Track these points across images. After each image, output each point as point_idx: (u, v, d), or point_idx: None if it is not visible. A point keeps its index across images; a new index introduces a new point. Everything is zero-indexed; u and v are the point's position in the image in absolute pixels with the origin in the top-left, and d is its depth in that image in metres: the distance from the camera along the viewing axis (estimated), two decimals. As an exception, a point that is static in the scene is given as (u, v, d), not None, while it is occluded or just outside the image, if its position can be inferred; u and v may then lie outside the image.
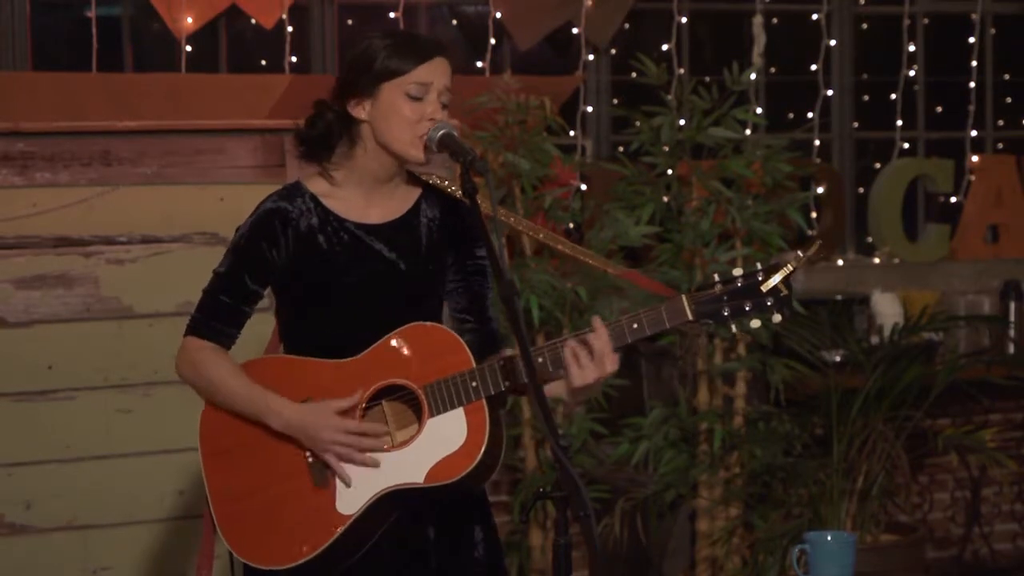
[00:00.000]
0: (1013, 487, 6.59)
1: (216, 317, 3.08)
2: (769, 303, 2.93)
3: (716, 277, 2.97)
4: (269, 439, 3.03)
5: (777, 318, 2.94)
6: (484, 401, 2.97)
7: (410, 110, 2.99)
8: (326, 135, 3.06)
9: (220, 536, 3.06)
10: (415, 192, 3.14)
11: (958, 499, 6.57)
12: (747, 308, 2.94)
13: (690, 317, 2.94)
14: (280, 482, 3.02)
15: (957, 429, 5.41)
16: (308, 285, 3.06)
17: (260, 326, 3.21)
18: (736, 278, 2.95)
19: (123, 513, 4.33)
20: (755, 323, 2.95)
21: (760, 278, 2.94)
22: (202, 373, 3.06)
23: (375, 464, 2.98)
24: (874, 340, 5.64)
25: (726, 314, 2.94)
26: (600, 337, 2.93)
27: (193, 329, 3.10)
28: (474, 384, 2.96)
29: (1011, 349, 6.41)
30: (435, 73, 3.00)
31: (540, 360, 2.95)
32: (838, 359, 5.45)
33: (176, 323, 4.10)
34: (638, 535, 5.39)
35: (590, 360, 2.93)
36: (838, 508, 5.06)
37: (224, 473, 3.07)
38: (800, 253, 2.97)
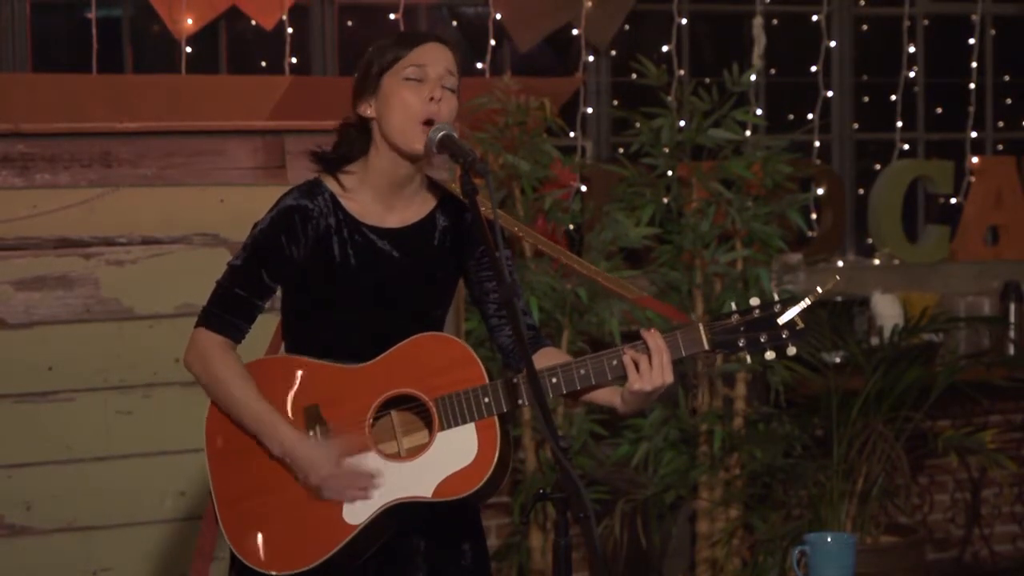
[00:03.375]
0: (1013, 488, 6.59)
1: (229, 310, 3.05)
2: (784, 336, 2.96)
3: (733, 307, 2.99)
4: None
5: (792, 351, 2.97)
6: (495, 417, 2.97)
7: (409, 92, 2.97)
8: (347, 154, 3.07)
9: (224, 536, 3.05)
10: (433, 199, 3.13)
11: (958, 500, 6.57)
12: (762, 340, 2.96)
13: (706, 347, 2.96)
14: (286, 487, 3.01)
15: (957, 430, 5.41)
16: (318, 286, 3.05)
17: (261, 327, 3.21)
18: (753, 309, 2.97)
19: (123, 514, 4.33)
20: (770, 355, 2.97)
21: (777, 310, 2.96)
22: (211, 371, 3.03)
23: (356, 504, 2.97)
24: (874, 341, 5.64)
25: (741, 345, 2.96)
26: (658, 346, 2.94)
27: (205, 321, 3.06)
28: (487, 400, 2.96)
29: (1011, 350, 6.42)
30: (430, 55, 2.99)
31: (583, 372, 2.95)
32: (838, 360, 5.45)
33: (176, 324, 4.11)
34: (638, 536, 5.39)
35: (649, 367, 2.93)
36: (838, 509, 5.06)
37: (230, 473, 3.05)
38: (819, 288, 2.99)
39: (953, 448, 5.23)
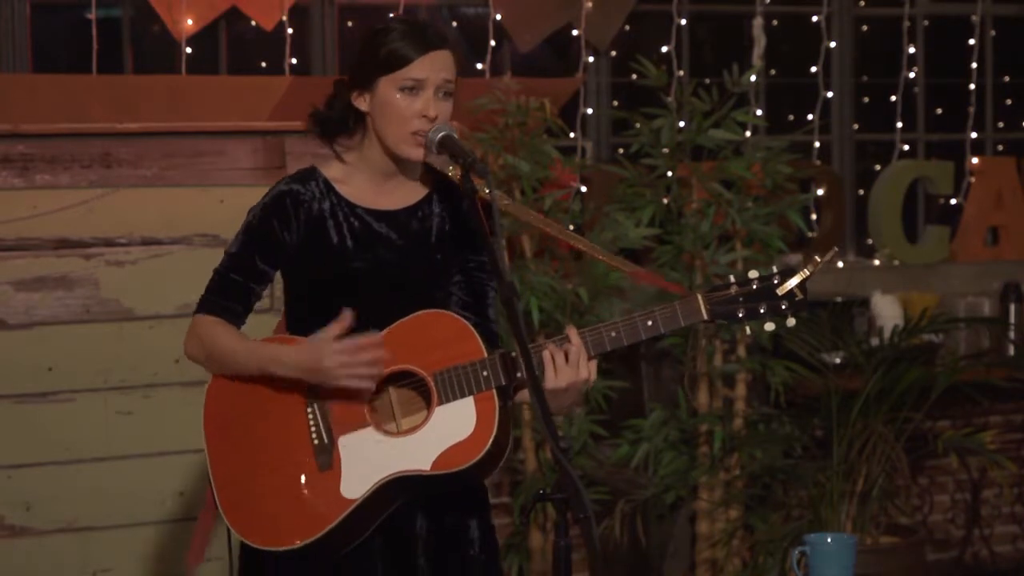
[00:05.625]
0: (1013, 489, 6.59)
1: (225, 295, 3.08)
2: (784, 306, 2.97)
3: (732, 278, 2.99)
4: (275, 421, 3.03)
5: (791, 322, 2.98)
6: (494, 391, 2.97)
7: (404, 104, 2.98)
8: (343, 117, 3.07)
9: (222, 516, 3.05)
10: (430, 181, 3.14)
11: (958, 501, 6.57)
12: (762, 311, 2.97)
13: (705, 317, 2.96)
14: (285, 465, 3.02)
15: (957, 431, 5.41)
16: (315, 269, 3.06)
17: (260, 328, 3.21)
18: (752, 280, 2.98)
19: (123, 515, 4.33)
20: (769, 326, 2.97)
21: (776, 281, 2.97)
22: (206, 344, 3.05)
23: (380, 373, 2.94)
24: (874, 342, 5.64)
25: (740, 315, 2.97)
26: (574, 343, 2.94)
27: (202, 307, 3.09)
28: (485, 374, 2.96)
29: (1011, 351, 6.42)
30: (431, 68, 2.99)
31: (519, 374, 2.95)
32: (838, 361, 5.45)
33: (177, 325, 4.11)
34: (638, 537, 5.39)
35: (565, 364, 2.94)
36: (838, 510, 5.06)
37: (227, 454, 3.06)
38: (817, 258, 3.00)
39: (953, 449, 5.22)
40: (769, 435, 5.26)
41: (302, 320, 3.10)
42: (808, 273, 2.97)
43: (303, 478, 3.00)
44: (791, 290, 2.96)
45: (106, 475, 4.31)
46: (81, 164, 4.31)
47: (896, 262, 6.81)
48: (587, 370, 2.94)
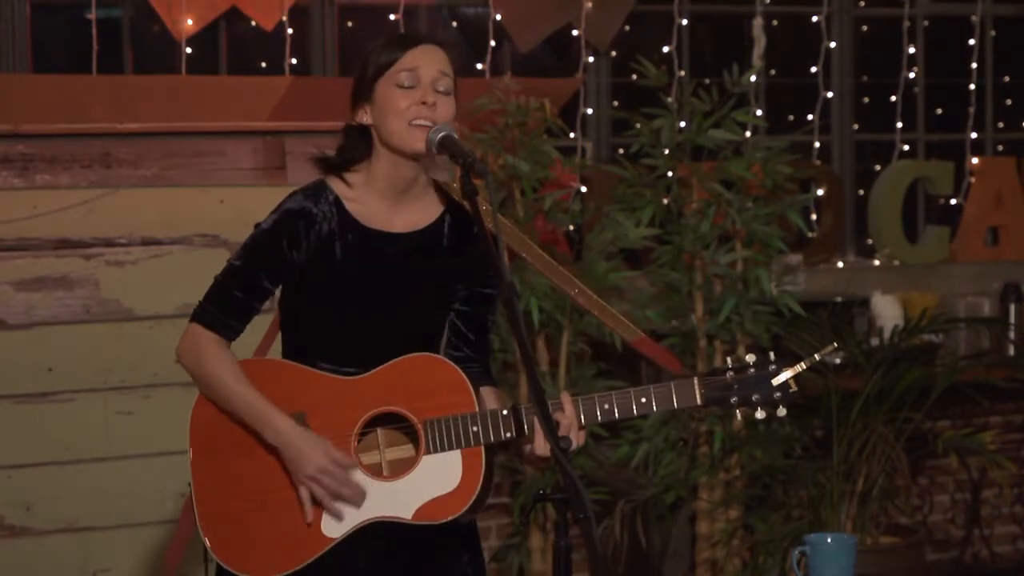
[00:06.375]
0: (1013, 489, 6.59)
1: (226, 310, 3.05)
2: (777, 396, 2.99)
3: (728, 363, 3.01)
4: (261, 452, 3.02)
5: (782, 412, 3.00)
6: (482, 446, 2.96)
7: (402, 98, 2.97)
8: (351, 158, 3.06)
9: (200, 533, 3.05)
10: (440, 205, 3.12)
11: (958, 501, 6.57)
12: (754, 399, 2.99)
13: (699, 402, 2.98)
14: (269, 491, 3.01)
15: (957, 431, 5.41)
16: (318, 288, 3.04)
17: (252, 326, 3.20)
18: (748, 366, 2.99)
19: (123, 515, 4.33)
20: (760, 414, 2.99)
21: (772, 370, 2.98)
22: (205, 366, 3.04)
23: (339, 515, 2.97)
24: (874, 342, 5.63)
25: (733, 401, 2.99)
26: (568, 412, 2.93)
27: (201, 317, 3.07)
28: (475, 429, 2.95)
29: (1011, 351, 6.42)
30: (421, 59, 2.99)
31: (508, 435, 2.95)
32: (838, 361, 5.45)
33: (176, 325, 4.10)
34: (638, 537, 5.39)
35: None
36: (838, 510, 5.06)
37: (213, 470, 3.06)
38: (816, 355, 3.02)
39: (953, 449, 5.22)
40: (769, 435, 5.26)
41: (297, 333, 3.09)
42: (805, 367, 2.99)
43: (285, 512, 3.00)
44: (785, 382, 2.98)
45: (106, 475, 4.31)
46: (81, 164, 4.31)
47: (896, 262, 6.81)
48: (576, 439, 2.92)
